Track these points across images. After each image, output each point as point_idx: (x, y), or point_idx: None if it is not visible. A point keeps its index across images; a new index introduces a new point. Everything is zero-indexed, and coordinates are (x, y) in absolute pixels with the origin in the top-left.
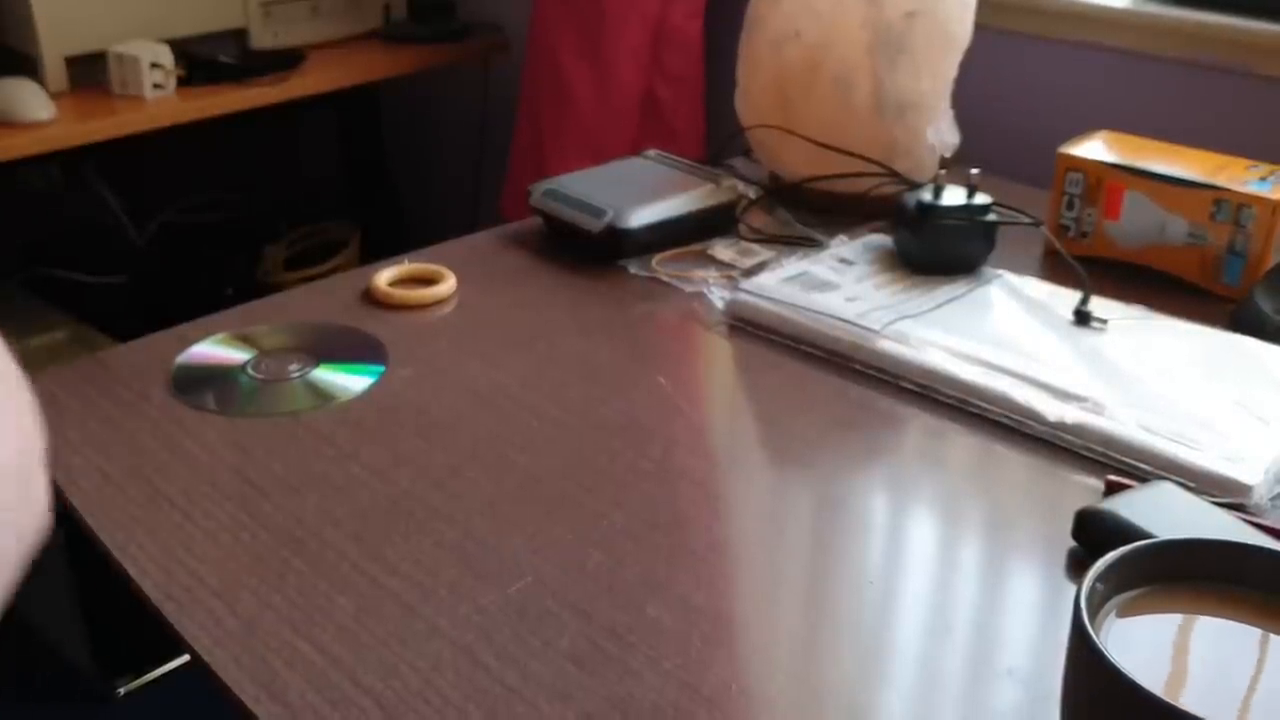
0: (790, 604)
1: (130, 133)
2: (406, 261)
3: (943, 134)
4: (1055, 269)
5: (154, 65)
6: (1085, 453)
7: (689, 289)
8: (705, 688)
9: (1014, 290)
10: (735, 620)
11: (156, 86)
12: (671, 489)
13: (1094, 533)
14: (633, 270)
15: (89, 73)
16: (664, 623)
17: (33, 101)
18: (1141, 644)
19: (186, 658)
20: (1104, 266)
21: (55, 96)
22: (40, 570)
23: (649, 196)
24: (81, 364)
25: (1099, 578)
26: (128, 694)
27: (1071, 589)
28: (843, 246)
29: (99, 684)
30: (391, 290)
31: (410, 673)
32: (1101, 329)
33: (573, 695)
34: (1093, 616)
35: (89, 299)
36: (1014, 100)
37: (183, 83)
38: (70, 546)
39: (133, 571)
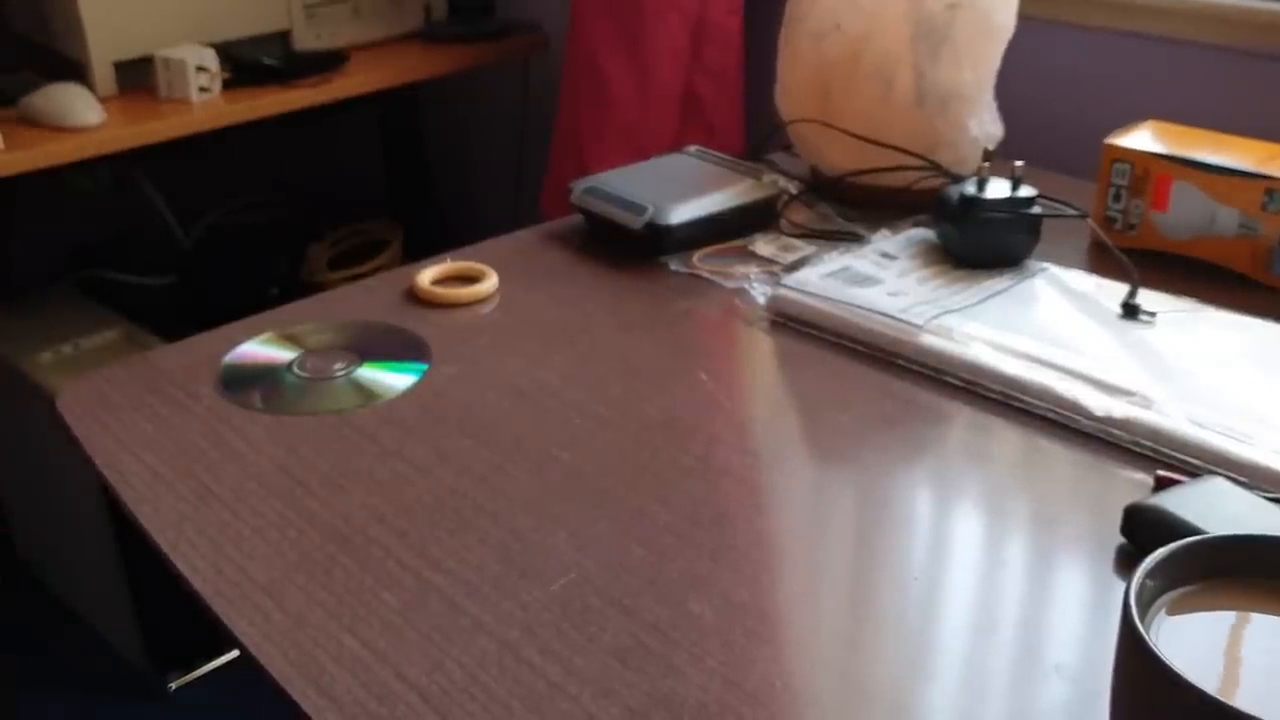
0: (834, 600)
1: (177, 135)
2: (449, 260)
3: (986, 125)
4: (1102, 262)
5: (199, 69)
6: (1134, 448)
7: (730, 285)
8: (749, 684)
9: (1060, 283)
10: (778, 617)
11: (202, 90)
12: (714, 485)
13: (1143, 528)
14: (674, 267)
15: (136, 77)
16: (707, 619)
17: (82, 106)
18: (1193, 642)
19: (236, 653)
20: (1151, 259)
21: (104, 101)
22: (93, 567)
23: (690, 193)
24: (132, 364)
25: (1149, 574)
26: (179, 688)
27: (1120, 586)
28: (885, 241)
29: (151, 679)
30: (434, 289)
31: (455, 668)
32: (1150, 322)
33: (616, 691)
34: (1143, 614)
35: (139, 300)
36: (1058, 90)
37: (228, 85)
38: (122, 544)
39: (183, 568)
